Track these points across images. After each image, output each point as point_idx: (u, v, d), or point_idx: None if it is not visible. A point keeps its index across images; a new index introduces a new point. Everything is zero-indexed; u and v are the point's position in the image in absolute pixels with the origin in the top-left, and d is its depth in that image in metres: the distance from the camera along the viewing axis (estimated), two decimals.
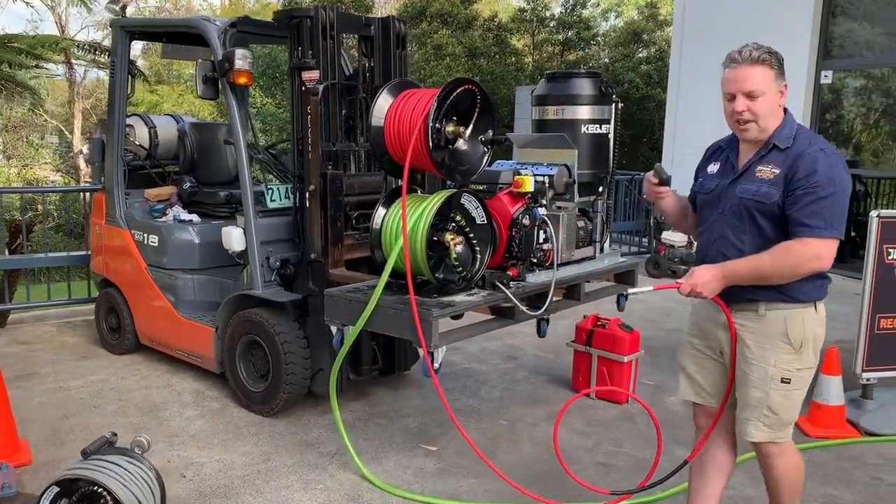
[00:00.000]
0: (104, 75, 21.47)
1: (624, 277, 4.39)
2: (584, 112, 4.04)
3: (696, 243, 2.97)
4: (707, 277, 2.58)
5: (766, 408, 2.65)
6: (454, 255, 3.24)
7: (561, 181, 3.85)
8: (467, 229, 3.34)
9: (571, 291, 3.96)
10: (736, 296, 2.66)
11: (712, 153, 2.92)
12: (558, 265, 3.85)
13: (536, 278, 3.67)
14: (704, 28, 10.13)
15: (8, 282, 6.60)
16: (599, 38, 17.69)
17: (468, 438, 3.52)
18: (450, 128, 3.23)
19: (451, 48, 12.80)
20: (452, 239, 3.25)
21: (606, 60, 16.49)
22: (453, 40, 13.14)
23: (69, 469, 2.75)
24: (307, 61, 4.08)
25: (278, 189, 4.60)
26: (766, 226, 2.59)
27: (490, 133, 3.40)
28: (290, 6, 13.30)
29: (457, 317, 3.79)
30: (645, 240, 10.07)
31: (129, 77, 5.17)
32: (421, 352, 3.18)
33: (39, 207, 12.63)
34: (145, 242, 5.04)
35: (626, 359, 4.64)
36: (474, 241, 3.37)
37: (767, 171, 2.59)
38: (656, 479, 3.25)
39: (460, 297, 3.30)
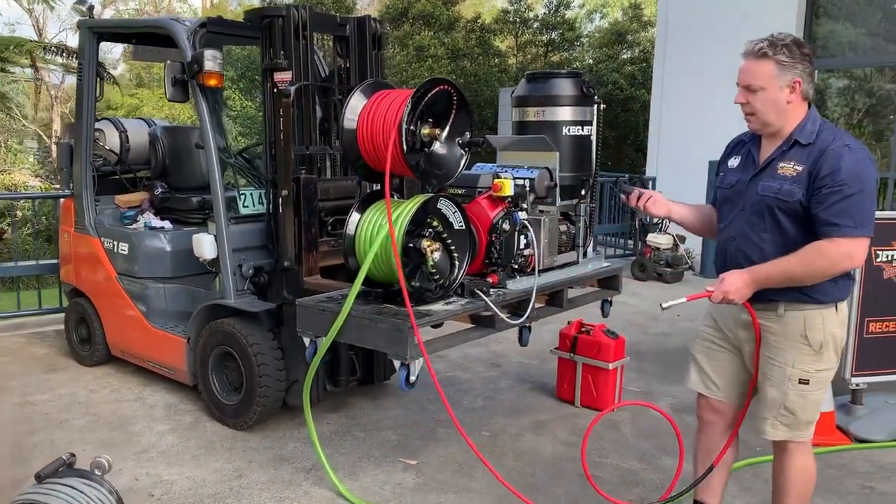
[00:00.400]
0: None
1: (608, 282, 4.28)
2: (565, 113, 3.92)
3: (681, 245, 2.94)
4: (738, 284, 2.54)
5: (783, 407, 2.65)
6: (431, 263, 3.11)
7: (542, 184, 3.74)
8: (445, 235, 3.21)
9: (554, 298, 3.85)
10: (757, 295, 2.61)
11: (734, 146, 2.86)
12: (540, 271, 3.74)
13: (518, 285, 3.55)
14: (688, 28, 10.07)
15: None
16: (584, 40, 17.62)
17: (470, 442, 3.39)
18: (425, 130, 3.11)
19: (434, 49, 12.68)
20: (429, 245, 3.12)
21: (590, 61, 16.42)
22: (435, 42, 13.02)
23: (20, 495, 2.59)
24: (279, 62, 3.95)
25: (251, 194, 4.45)
26: (788, 224, 2.55)
27: (468, 135, 3.28)
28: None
29: (437, 325, 3.67)
30: (631, 242, 9.97)
31: (98, 80, 5.01)
32: (397, 363, 3.05)
33: (18, 213, 12.39)
34: (115, 250, 4.87)
35: (611, 366, 4.53)
36: (452, 248, 3.25)
37: (790, 168, 2.53)
38: (676, 493, 3.18)
39: (438, 306, 3.17)
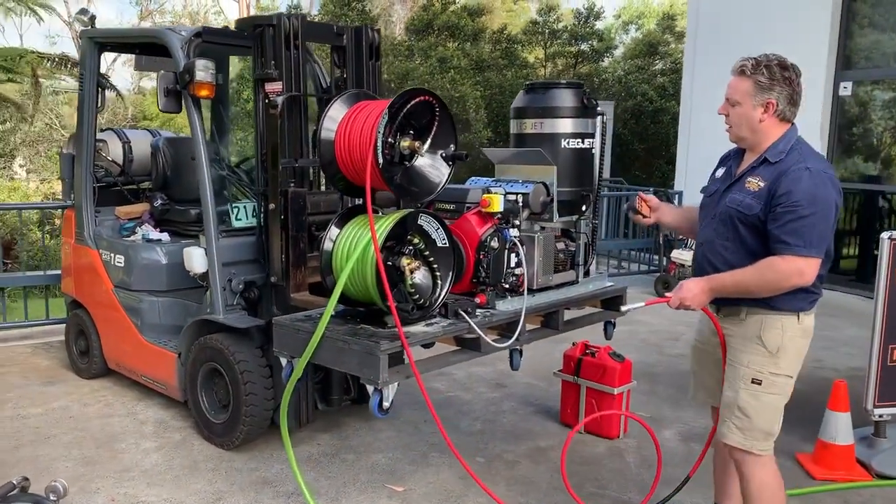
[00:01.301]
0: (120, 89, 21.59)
1: (611, 303, 4.07)
2: (564, 125, 3.73)
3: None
4: (695, 291, 2.68)
5: (736, 408, 2.73)
6: (409, 282, 2.96)
7: (537, 200, 3.56)
8: (426, 253, 3.05)
9: (549, 319, 3.66)
10: (723, 301, 2.78)
11: (724, 159, 2.99)
12: (534, 291, 3.56)
13: (508, 305, 3.37)
14: (718, 38, 9.79)
15: None
16: (613, 51, 17.36)
17: (465, 465, 3.22)
18: (405, 143, 2.95)
19: (457, 60, 12.55)
20: (408, 264, 2.96)
21: (620, 72, 16.14)
22: (459, 53, 12.88)
23: None
24: (269, 72, 3.84)
25: (244, 207, 4.35)
26: (747, 235, 2.68)
27: (452, 148, 3.12)
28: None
29: (428, 346, 3.51)
30: (656, 258, 9.70)
31: (100, 90, 4.97)
32: (370, 388, 2.89)
33: (56, 221, 12.52)
34: (112, 262, 4.81)
35: (616, 391, 4.30)
36: (435, 266, 3.08)
37: (754, 184, 2.67)
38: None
39: (417, 328, 3.01)
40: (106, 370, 5.07)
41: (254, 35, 3.91)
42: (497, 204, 3.27)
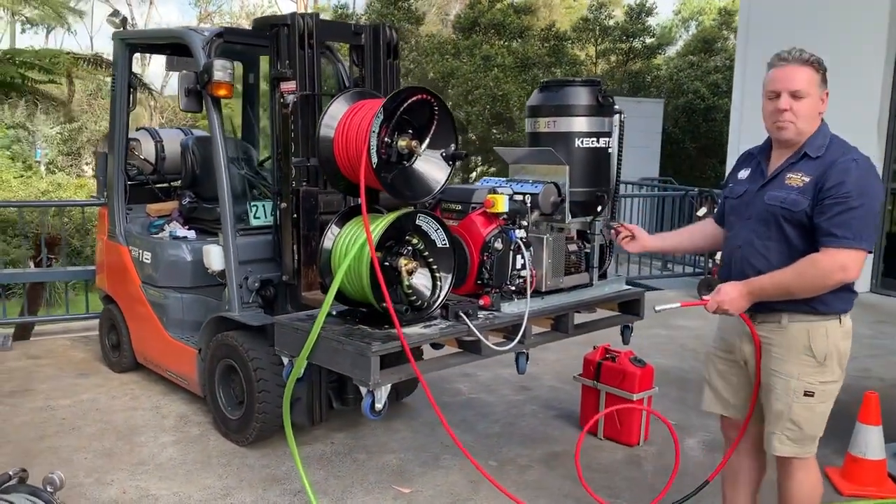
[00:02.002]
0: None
1: (629, 307, 3.96)
2: (578, 124, 3.63)
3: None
4: (733, 295, 2.58)
5: (789, 421, 2.63)
6: (406, 283, 2.92)
7: (547, 200, 3.48)
8: (426, 254, 3.02)
9: (559, 322, 3.57)
10: (761, 306, 2.64)
11: (744, 159, 2.90)
12: (544, 293, 3.49)
13: (514, 308, 3.31)
14: (771, 31, 9.44)
15: (31, 295, 6.66)
16: (667, 47, 16.97)
17: (478, 465, 3.18)
18: (402, 142, 2.92)
19: (501, 58, 12.44)
20: (406, 264, 2.93)
21: (672, 69, 15.77)
22: (503, 50, 12.77)
23: None
24: (284, 72, 3.85)
25: (263, 206, 4.38)
26: (793, 234, 2.57)
27: (452, 147, 3.07)
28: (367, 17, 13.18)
29: (437, 347, 3.48)
30: (701, 259, 9.45)
31: (131, 90, 5.08)
32: (363, 390, 2.86)
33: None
34: (140, 259, 4.92)
35: (635, 396, 4.18)
36: (435, 268, 3.04)
37: (797, 179, 2.57)
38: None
39: (414, 329, 2.97)
40: (135, 364, 5.19)
41: (270, 35, 3.93)
42: (501, 204, 3.22)
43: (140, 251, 4.92)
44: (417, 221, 2.98)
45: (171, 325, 4.71)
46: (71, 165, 22.42)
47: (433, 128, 2.98)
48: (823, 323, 2.59)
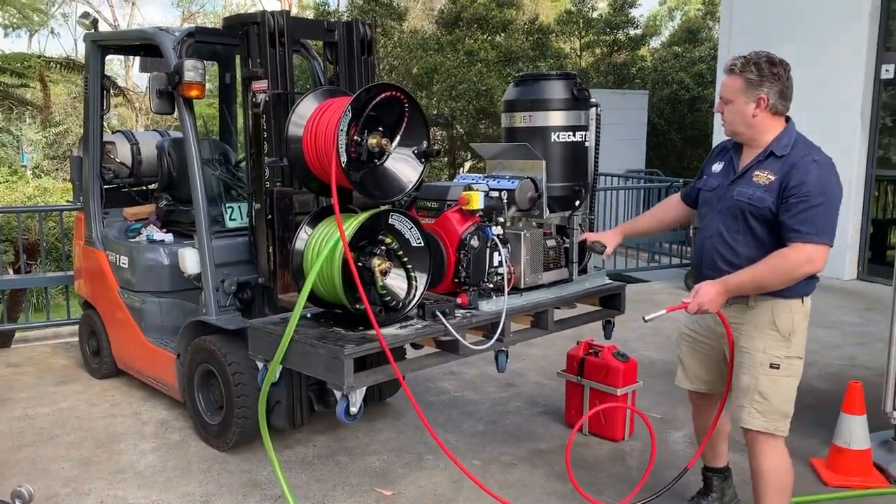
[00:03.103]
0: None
1: (610, 301, 3.93)
2: (554, 118, 3.60)
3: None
4: (711, 294, 2.74)
5: (757, 393, 2.80)
6: (380, 283, 2.88)
7: (524, 196, 3.44)
8: (400, 253, 2.97)
9: (539, 319, 3.54)
10: None
11: (718, 152, 3.08)
12: (523, 290, 3.45)
13: (492, 306, 3.27)
14: (754, 21, 9.43)
15: (11, 302, 6.58)
16: (651, 39, 16.93)
17: (461, 466, 3.13)
18: (372, 140, 2.87)
19: (484, 53, 12.38)
20: (379, 264, 2.88)
21: (656, 60, 15.73)
22: (486, 45, 12.71)
23: None
24: (255, 71, 3.79)
25: (239, 207, 4.32)
26: (758, 228, 2.76)
27: (424, 144, 3.02)
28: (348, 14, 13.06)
29: (417, 347, 3.44)
30: (689, 250, 9.43)
31: (104, 92, 5.00)
32: (337, 394, 2.82)
33: None
34: (117, 264, 4.85)
35: (619, 391, 4.15)
36: (409, 267, 3.00)
37: (763, 177, 2.75)
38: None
39: (389, 330, 2.93)
40: (117, 370, 5.13)
41: (241, 33, 3.87)
42: (476, 201, 3.17)
43: (117, 256, 4.85)
44: (390, 220, 2.93)
45: (149, 331, 4.64)
46: (57, 170, 22.26)
47: (404, 125, 2.93)
48: (786, 301, 2.79)
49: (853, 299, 7.71)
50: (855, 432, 3.73)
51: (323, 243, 2.93)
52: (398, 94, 2.87)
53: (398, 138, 2.92)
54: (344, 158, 2.76)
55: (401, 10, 13.05)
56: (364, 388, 2.81)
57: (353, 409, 2.79)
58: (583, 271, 3.83)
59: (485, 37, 13.30)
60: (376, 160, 2.92)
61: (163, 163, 5.08)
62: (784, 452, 2.90)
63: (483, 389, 5.09)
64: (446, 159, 14.31)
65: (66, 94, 20.79)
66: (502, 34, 13.64)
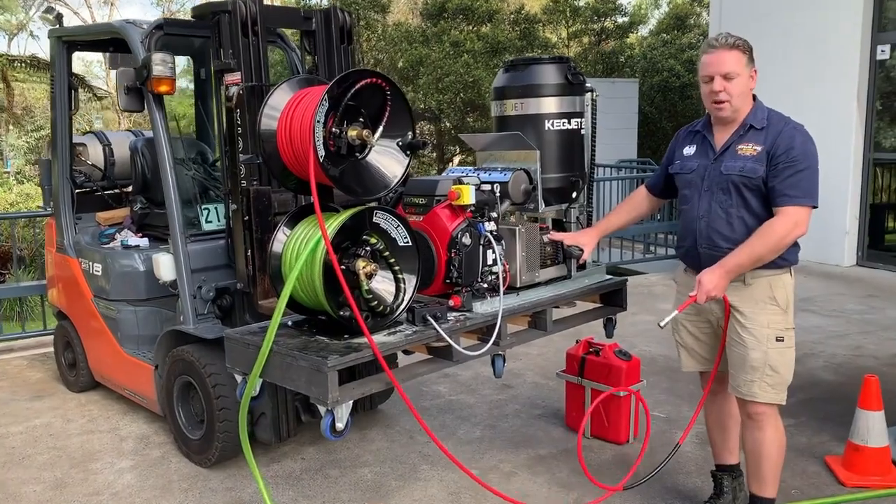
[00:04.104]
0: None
1: (612, 298, 3.72)
2: (548, 105, 3.38)
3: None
4: (715, 280, 2.77)
5: (767, 367, 2.84)
6: (365, 287, 2.65)
7: (518, 188, 3.23)
8: (386, 254, 2.75)
9: (537, 319, 3.32)
10: None
11: (686, 136, 3.12)
12: (519, 289, 3.23)
13: (487, 307, 3.05)
14: (744, 4, 9.23)
15: None
16: (640, 26, 16.72)
17: (467, 471, 2.92)
18: (352, 132, 2.64)
19: (470, 44, 12.13)
20: (364, 266, 2.66)
21: (645, 48, 15.53)
22: (472, 36, 12.46)
23: None
24: (227, 62, 3.55)
25: (216, 208, 4.09)
26: (752, 199, 2.82)
27: (409, 136, 2.80)
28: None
29: (408, 353, 3.22)
30: None
31: (71, 91, 4.75)
32: (322, 409, 2.59)
33: None
34: (90, 271, 4.60)
35: (622, 392, 3.94)
36: (397, 269, 2.78)
37: (749, 149, 2.82)
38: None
39: (377, 338, 2.70)
40: (94, 383, 4.89)
41: (211, 23, 3.62)
42: (467, 196, 2.95)
43: (90, 263, 4.60)
44: (375, 219, 2.71)
45: (125, 341, 4.40)
46: (39, 175, 21.84)
47: (386, 115, 2.70)
48: (780, 275, 2.87)
49: (854, 286, 7.54)
50: (872, 429, 3.54)
51: (302, 245, 2.70)
52: (379, 81, 2.64)
53: (380, 129, 2.69)
54: (322, 153, 2.53)
55: (384, 2, 12.78)
56: (350, 402, 2.59)
57: (340, 425, 2.56)
58: (581, 267, 3.62)
59: (470, 27, 13.05)
60: (357, 154, 2.69)
61: (136, 164, 4.83)
62: (780, 423, 2.97)
63: (479, 392, 4.87)
64: (435, 154, 14.07)
65: (46, 97, 20.43)
66: (488, 24, 13.39)
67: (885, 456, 3.56)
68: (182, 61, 8.28)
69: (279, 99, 2.77)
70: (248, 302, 3.65)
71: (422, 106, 12.46)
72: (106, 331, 4.49)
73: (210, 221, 4.08)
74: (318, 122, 2.50)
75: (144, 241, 4.61)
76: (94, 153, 5.06)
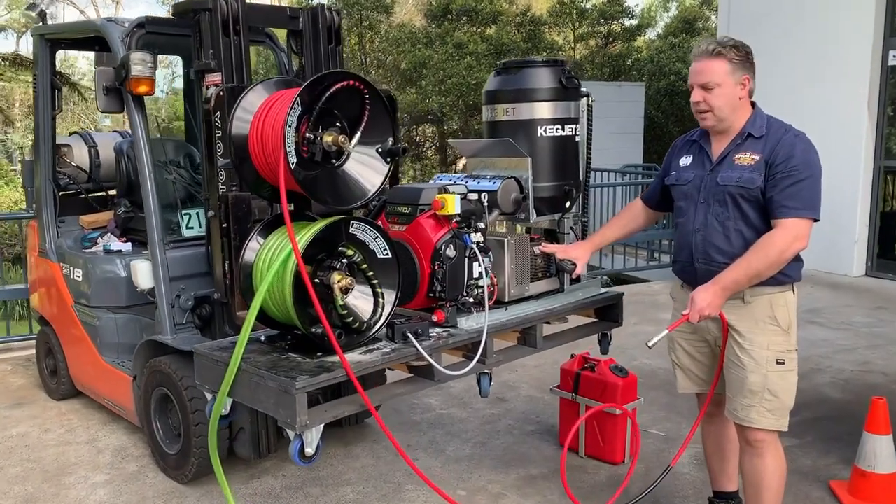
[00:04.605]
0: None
1: (607, 312, 3.55)
2: (541, 110, 3.22)
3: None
4: (709, 298, 2.62)
5: (767, 391, 2.69)
6: (339, 302, 2.50)
7: (507, 197, 3.07)
8: (364, 267, 2.59)
9: (527, 335, 3.16)
10: None
11: (682, 146, 2.99)
12: (508, 303, 3.07)
13: (472, 322, 2.89)
14: (754, 8, 9.04)
15: None
16: (647, 29, 16.53)
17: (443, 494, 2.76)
18: (328, 137, 2.49)
19: (474, 46, 11.97)
20: (339, 280, 2.50)
21: (653, 51, 15.35)
22: (476, 37, 12.30)
23: None
24: (208, 62, 3.41)
25: (197, 214, 3.94)
26: (750, 211, 2.67)
27: (390, 141, 2.64)
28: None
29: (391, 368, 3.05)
30: None
31: (55, 91, 4.61)
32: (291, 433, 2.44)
33: None
34: (71, 276, 4.46)
35: (618, 410, 3.77)
36: (375, 283, 2.62)
37: (747, 158, 2.67)
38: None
39: (352, 356, 2.55)
40: (75, 391, 4.75)
41: (192, 22, 3.48)
42: (452, 205, 2.79)
43: (71, 268, 4.47)
44: (351, 230, 2.55)
45: (105, 349, 4.25)
46: (22, 176, 21.75)
47: (365, 120, 2.55)
48: (781, 293, 2.71)
49: (862, 297, 7.34)
50: (880, 454, 3.36)
51: (274, 255, 2.55)
52: (357, 83, 2.48)
53: (358, 135, 2.53)
54: (293, 159, 2.37)
55: (388, 3, 12.63)
56: (321, 426, 2.43)
57: (309, 451, 2.41)
58: (575, 280, 3.45)
59: (475, 29, 12.88)
60: (334, 161, 2.54)
61: (121, 166, 4.70)
62: (781, 450, 2.81)
63: (471, 405, 4.71)
64: (438, 157, 13.92)
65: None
66: (493, 26, 13.23)
67: (894, 483, 3.38)
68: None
69: (252, 101, 2.62)
70: (227, 312, 3.50)
71: (426, 110, 12.30)
72: (86, 338, 4.35)
73: (191, 227, 3.93)
74: (290, 126, 2.35)
75: (127, 246, 4.47)
76: (80, 154, 4.93)
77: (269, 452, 3.72)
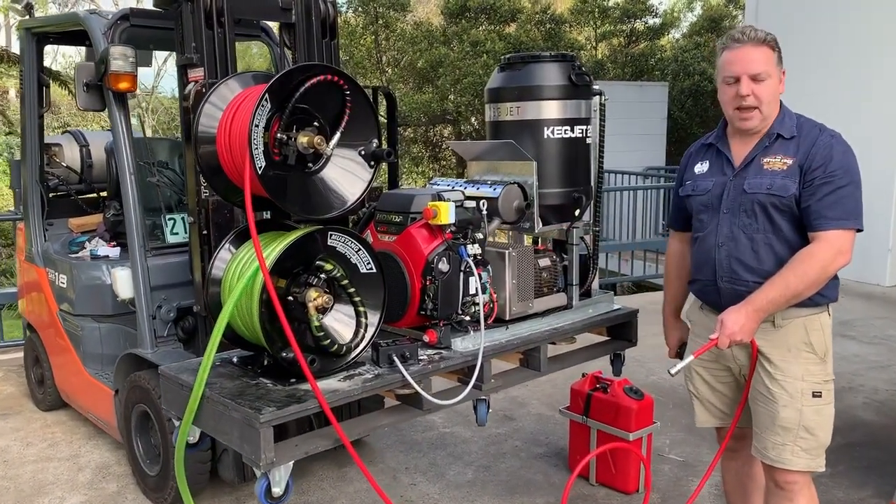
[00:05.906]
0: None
1: (620, 331, 3.26)
2: (548, 110, 2.94)
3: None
4: (741, 321, 2.30)
5: (802, 429, 2.39)
6: (315, 323, 2.23)
7: (509, 205, 2.79)
8: (345, 283, 2.32)
9: (530, 357, 2.88)
10: None
11: (696, 152, 2.67)
12: (509, 321, 2.80)
13: (468, 343, 2.62)
14: (782, 6, 8.67)
15: None
16: (671, 28, 16.11)
17: None
18: (303, 139, 2.22)
19: (490, 44, 11.66)
20: (315, 298, 2.24)
21: (677, 51, 14.94)
22: (493, 35, 11.98)
23: None
24: (189, 57, 3.16)
25: (182, 219, 3.70)
26: (782, 223, 2.37)
27: (374, 143, 2.37)
28: None
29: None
30: None
31: (42, 88, 4.40)
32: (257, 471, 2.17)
33: None
34: (56, 282, 4.24)
35: (632, 436, 3.47)
36: (357, 300, 2.35)
37: (778, 163, 2.38)
38: None
39: (328, 384, 2.28)
40: (62, 402, 4.53)
41: (174, 14, 3.24)
42: (445, 214, 2.52)
43: (56, 273, 4.25)
44: (329, 241, 2.28)
45: (89, 360, 4.03)
46: (10, 176, 21.76)
47: (345, 119, 2.28)
48: (817, 316, 2.42)
49: (893, 308, 6.96)
50: None
51: (244, 268, 2.29)
52: (335, 78, 2.21)
53: (337, 136, 2.26)
54: (261, 163, 2.11)
55: (404, 1, 12.37)
56: (290, 464, 2.16)
57: (277, 490, 2.14)
58: (585, 295, 3.16)
59: (492, 27, 12.57)
60: (311, 165, 2.27)
61: (111, 167, 4.47)
62: (815, 494, 2.52)
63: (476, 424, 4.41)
64: (455, 158, 13.64)
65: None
66: (512, 24, 12.91)
67: None
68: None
69: (221, 98, 2.37)
70: (209, 326, 3.25)
71: (443, 108, 12.02)
72: (70, 348, 4.13)
73: (176, 233, 3.70)
74: (257, 126, 2.08)
75: (115, 252, 4.23)
76: (70, 154, 4.71)
77: (255, 475, 3.46)
